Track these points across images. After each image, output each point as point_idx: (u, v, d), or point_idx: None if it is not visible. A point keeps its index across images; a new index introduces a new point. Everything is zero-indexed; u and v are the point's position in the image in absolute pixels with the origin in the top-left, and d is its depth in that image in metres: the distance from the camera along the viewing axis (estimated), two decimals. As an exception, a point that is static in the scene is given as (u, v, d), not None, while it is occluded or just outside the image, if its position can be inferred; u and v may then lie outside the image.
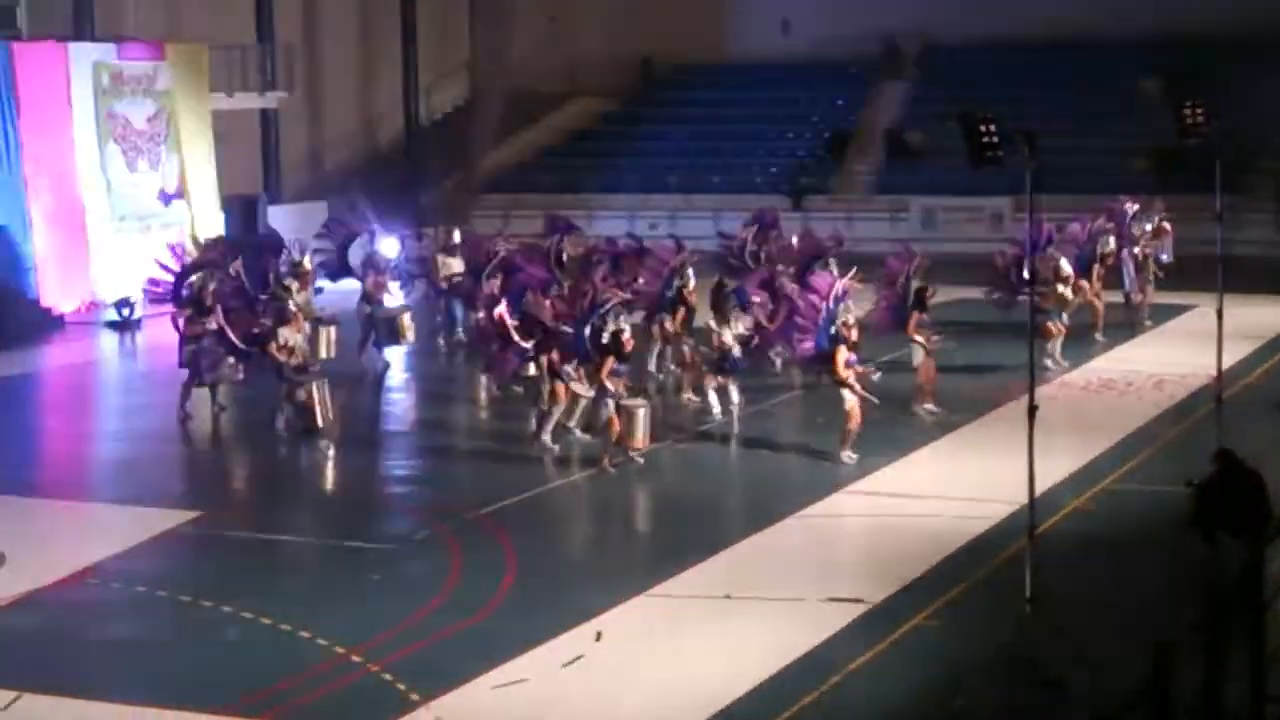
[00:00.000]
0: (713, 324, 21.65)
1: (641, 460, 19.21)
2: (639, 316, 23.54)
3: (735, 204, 39.60)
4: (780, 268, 24.26)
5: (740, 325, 21.62)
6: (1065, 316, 24.58)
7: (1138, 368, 24.56)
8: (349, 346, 24.84)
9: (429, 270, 27.79)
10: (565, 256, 26.94)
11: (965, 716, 11.67)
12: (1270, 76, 40.38)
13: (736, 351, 21.35)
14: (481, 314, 22.32)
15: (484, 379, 22.75)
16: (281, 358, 21.03)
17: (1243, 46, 41.73)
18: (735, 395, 21.44)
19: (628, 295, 21.25)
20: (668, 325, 23.62)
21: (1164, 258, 29.01)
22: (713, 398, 21.55)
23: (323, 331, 23.36)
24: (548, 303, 20.53)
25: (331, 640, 13.42)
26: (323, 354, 23.08)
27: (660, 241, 26.09)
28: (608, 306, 19.45)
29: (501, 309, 20.55)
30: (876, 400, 19.20)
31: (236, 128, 38.42)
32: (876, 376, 19.35)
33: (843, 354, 19.03)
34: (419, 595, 14.67)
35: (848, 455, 19.08)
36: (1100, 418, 21.40)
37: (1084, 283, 25.64)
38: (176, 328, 22.95)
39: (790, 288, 21.13)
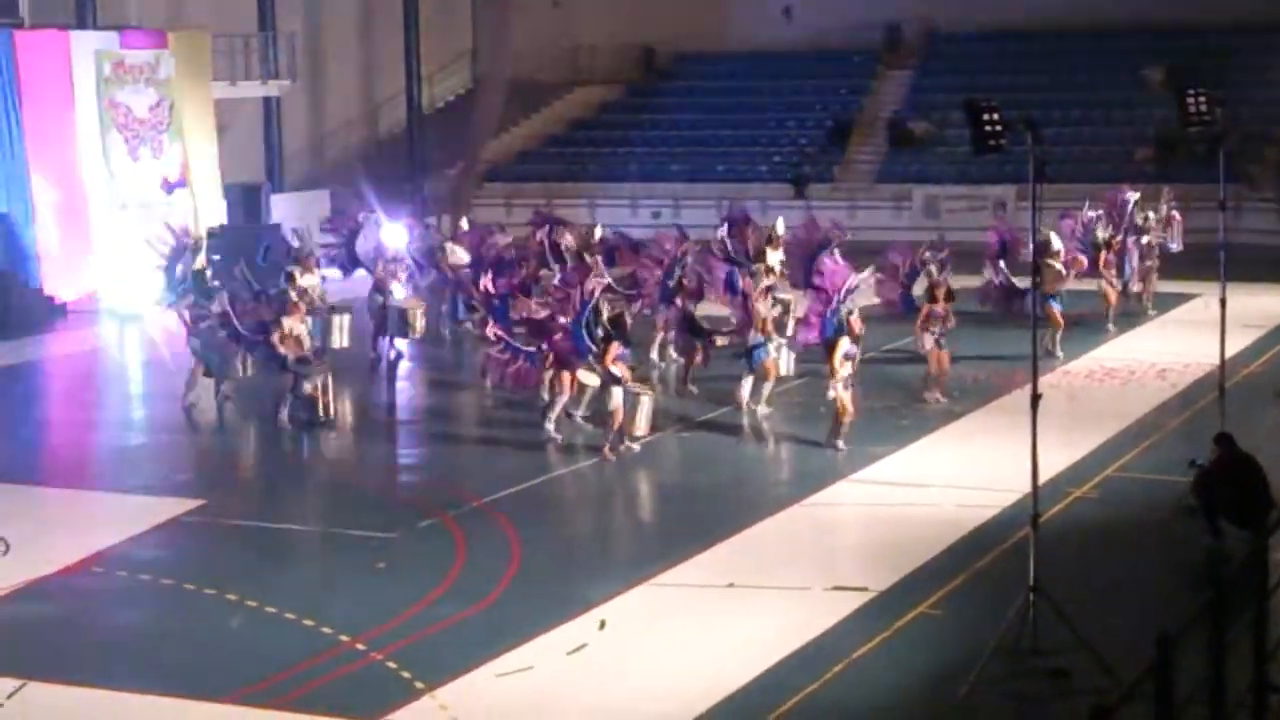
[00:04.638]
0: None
1: (638, 448, 19.22)
2: (639, 305, 23.59)
3: (738, 193, 39.60)
4: (774, 267, 24.39)
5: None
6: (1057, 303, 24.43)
7: (1140, 356, 24.56)
8: (361, 335, 24.82)
9: (438, 258, 27.74)
10: (564, 248, 26.83)
11: (969, 705, 11.68)
12: (1274, 65, 40.40)
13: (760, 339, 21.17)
14: (479, 315, 22.22)
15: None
16: (285, 348, 21.01)
17: (1246, 34, 41.72)
18: (767, 388, 21.34)
19: (608, 280, 21.22)
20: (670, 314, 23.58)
21: (1173, 247, 28.87)
22: (746, 386, 21.41)
23: (336, 320, 23.29)
24: (533, 301, 20.50)
25: (336, 628, 13.43)
26: (336, 343, 23.05)
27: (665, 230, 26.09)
28: (595, 298, 19.47)
29: (493, 327, 20.54)
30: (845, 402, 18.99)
31: (239, 116, 38.45)
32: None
33: (843, 345, 19.03)
34: (423, 584, 14.67)
35: (840, 444, 19.09)
36: (1103, 406, 21.41)
37: (1083, 258, 25.60)
38: (182, 319, 22.95)
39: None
